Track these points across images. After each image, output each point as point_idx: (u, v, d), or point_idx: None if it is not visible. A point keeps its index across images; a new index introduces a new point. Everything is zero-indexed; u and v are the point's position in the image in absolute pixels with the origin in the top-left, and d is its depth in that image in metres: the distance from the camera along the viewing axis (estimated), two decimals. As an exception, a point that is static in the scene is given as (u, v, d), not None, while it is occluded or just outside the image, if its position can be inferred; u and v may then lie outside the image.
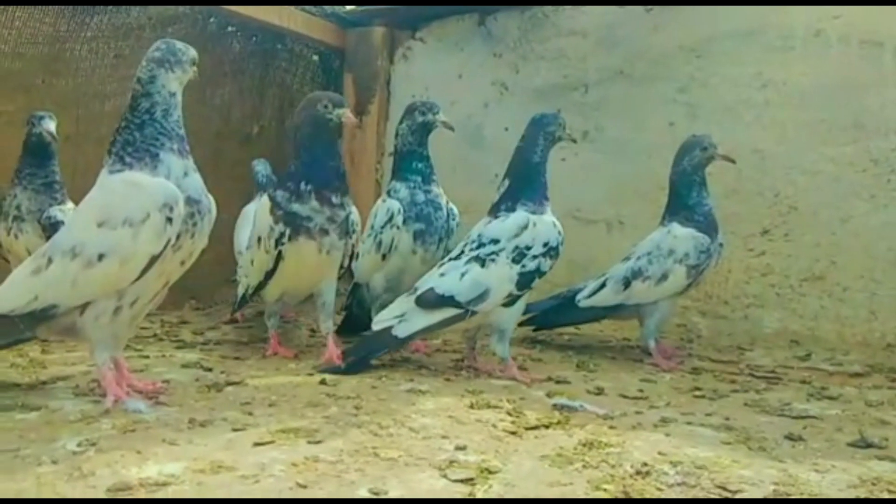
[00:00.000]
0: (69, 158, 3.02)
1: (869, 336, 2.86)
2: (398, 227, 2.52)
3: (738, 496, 1.24)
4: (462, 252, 2.26)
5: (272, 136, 4.11)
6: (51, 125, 2.60)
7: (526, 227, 2.22)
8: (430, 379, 2.15)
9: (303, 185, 2.22)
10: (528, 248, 2.19)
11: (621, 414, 1.80)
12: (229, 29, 3.89)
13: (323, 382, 2.02)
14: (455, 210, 2.70)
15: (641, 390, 2.09)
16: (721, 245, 2.61)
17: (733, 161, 2.66)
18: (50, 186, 2.63)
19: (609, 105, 3.56)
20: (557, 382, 2.17)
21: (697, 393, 2.08)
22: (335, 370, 2.16)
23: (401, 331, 2.16)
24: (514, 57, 3.84)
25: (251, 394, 1.87)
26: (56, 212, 2.57)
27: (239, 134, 3.98)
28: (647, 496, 1.21)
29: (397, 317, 2.19)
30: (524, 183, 2.31)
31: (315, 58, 4.25)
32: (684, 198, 2.58)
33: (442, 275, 2.22)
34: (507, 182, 2.34)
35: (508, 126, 3.78)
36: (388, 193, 2.60)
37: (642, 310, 2.58)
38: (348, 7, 4.21)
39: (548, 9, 3.73)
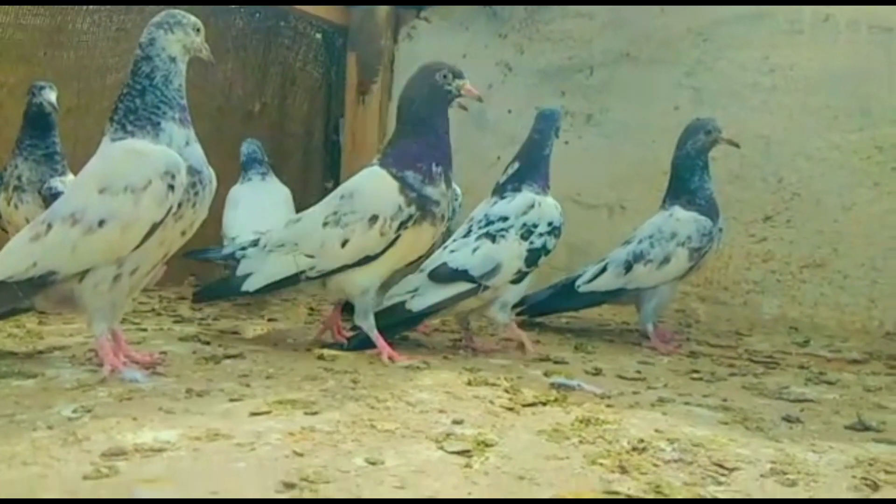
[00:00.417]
0: (70, 131, 3.01)
1: (868, 324, 2.86)
2: None
3: (734, 473, 1.24)
4: (470, 230, 2.27)
5: (274, 114, 4.09)
6: (51, 95, 2.58)
7: (532, 206, 2.25)
8: (428, 357, 2.14)
9: (434, 167, 2.03)
10: (535, 226, 2.22)
11: (619, 393, 1.80)
12: (232, 5, 3.86)
13: (321, 357, 2.01)
14: (458, 190, 2.69)
15: (639, 371, 2.09)
16: (721, 230, 2.60)
17: (738, 145, 2.64)
18: (51, 157, 2.61)
19: (614, 88, 3.54)
20: (555, 363, 2.17)
21: (695, 375, 2.08)
22: (339, 346, 2.16)
23: (415, 305, 2.17)
24: (520, 38, 3.82)
25: (249, 367, 1.86)
26: (57, 183, 2.56)
27: (240, 111, 3.96)
28: (644, 471, 1.21)
29: (410, 292, 2.19)
30: (532, 169, 2.34)
31: (318, 36, 4.22)
32: (686, 181, 2.56)
33: (453, 251, 2.23)
34: (516, 165, 2.35)
35: (512, 108, 3.77)
36: None
37: (642, 294, 2.57)
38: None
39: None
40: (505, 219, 2.23)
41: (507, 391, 1.75)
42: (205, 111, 3.61)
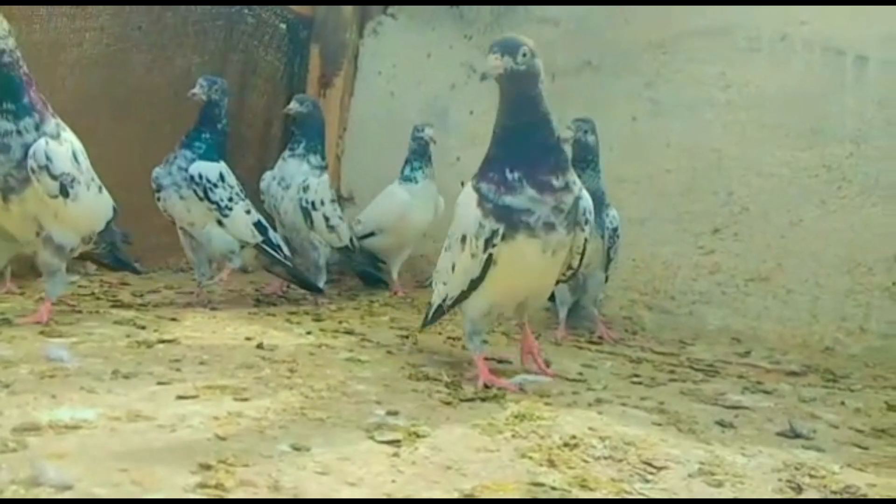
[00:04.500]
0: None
1: (808, 338, 2.91)
2: None
3: (663, 472, 1.24)
4: None
5: (232, 102, 4.00)
6: None
7: None
8: (371, 350, 2.12)
9: (508, 173, 1.71)
10: None
11: (558, 393, 1.79)
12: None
13: (260, 346, 1.97)
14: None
15: (581, 374, 2.09)
16: (613, 227, 2.72)
17: None
18: None
19: (574, 96, 3.54)
20: (499, 362, 2.15)
21: (635, 380, 2.08)
22: None
23: None
24: (485, 40, 3.79)
25: (182, 352, 1.82)
26: None
27: (198, 97, 3.86)
28: (573, 466, 1.20)
29: None
30: None
31: (282, 26, 4.15)
32: None
33: None
34: None
35: (474, 109, 3.77)
36: None
37: None
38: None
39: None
40: None
41: (447, 386, 1.74)
42: (161, 96, 3.53)
